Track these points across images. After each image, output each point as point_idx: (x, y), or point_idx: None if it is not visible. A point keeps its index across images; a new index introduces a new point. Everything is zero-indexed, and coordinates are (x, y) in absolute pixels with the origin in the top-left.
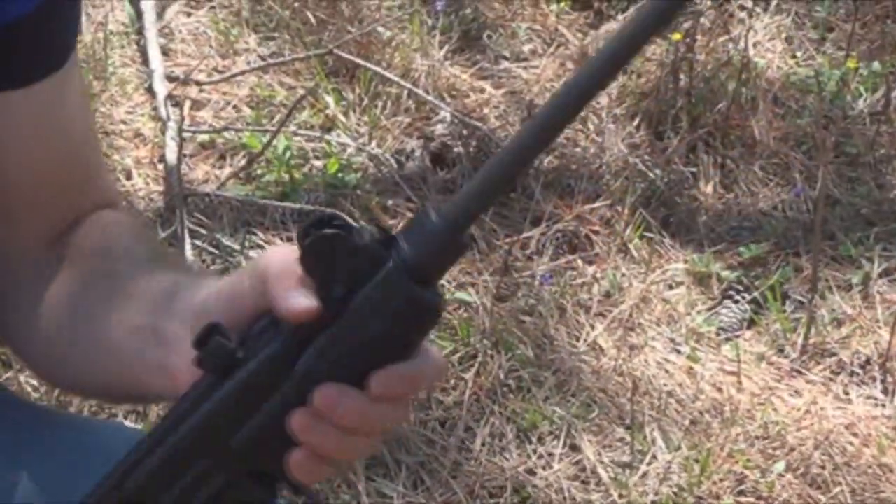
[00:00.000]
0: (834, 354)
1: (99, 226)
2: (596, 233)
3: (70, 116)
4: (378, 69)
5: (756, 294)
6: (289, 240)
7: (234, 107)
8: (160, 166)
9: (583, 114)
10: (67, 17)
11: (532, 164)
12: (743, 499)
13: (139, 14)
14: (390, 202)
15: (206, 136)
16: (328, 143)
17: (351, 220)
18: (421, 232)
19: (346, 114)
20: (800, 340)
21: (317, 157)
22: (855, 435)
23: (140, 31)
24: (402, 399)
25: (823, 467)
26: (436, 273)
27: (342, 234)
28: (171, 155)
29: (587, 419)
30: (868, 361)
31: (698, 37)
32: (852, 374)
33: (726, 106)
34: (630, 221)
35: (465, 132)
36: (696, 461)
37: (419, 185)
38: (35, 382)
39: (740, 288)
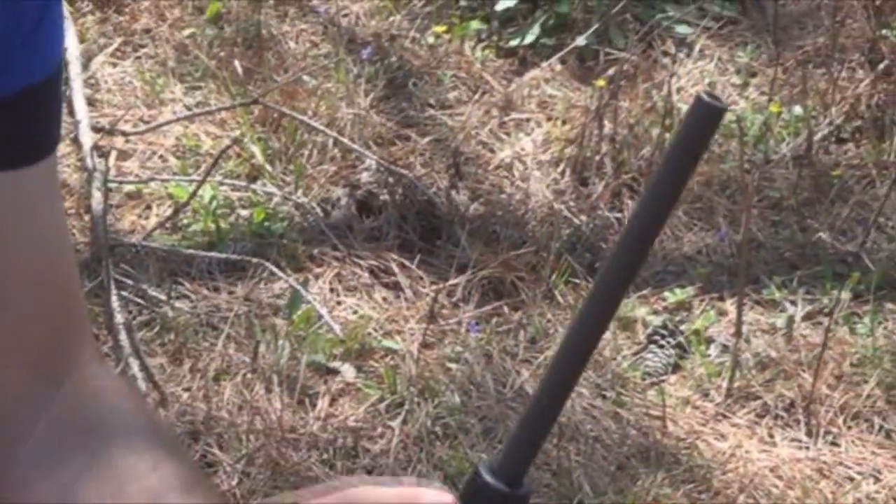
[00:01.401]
0: (758, 398)
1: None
2: (522, 279)
3: (56, 211)
4: (303, 118)
5: (681, 338)
6: (215, 290)
7: (161, 157)
8: (86, 217)
9: (508, 160)
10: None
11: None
12: None
13: (65, 64)
14: (316, 251)
15: (132, 187)
16: (254, 192)
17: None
18: (480, 498)
19: (271, 163)
20: (724, 384)
21: (243, 207)
22: (780, 477)
23: (66, 82)
24: None
25: None
26: None
27: None
28: (97, 205)
29: None
30: (792, 404)
31: (622, 83)
32: (777, 417)
33: (650, 152)
34: (555, 267)
35: (390, 180)
36: None
37: (345, 233)
38: None
39: (665, 332)
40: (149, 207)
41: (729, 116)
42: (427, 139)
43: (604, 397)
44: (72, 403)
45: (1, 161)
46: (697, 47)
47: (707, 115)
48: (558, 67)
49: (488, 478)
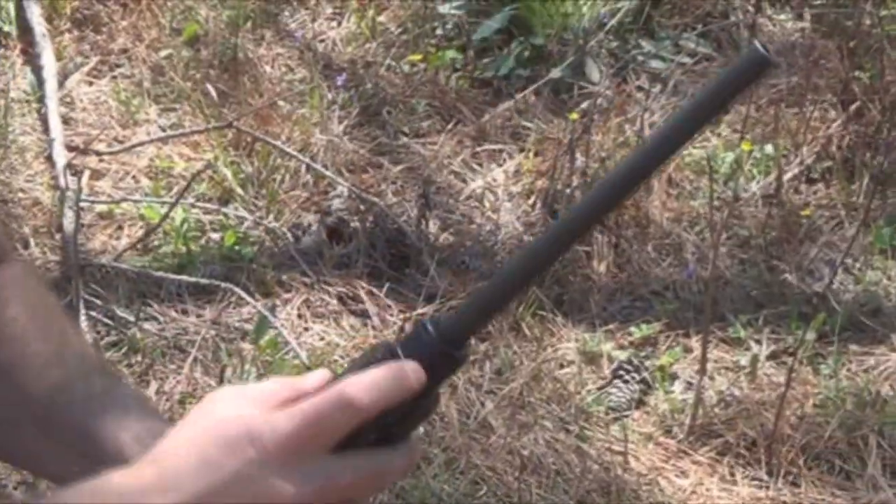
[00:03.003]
0: (720, 436)
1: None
2: None
3: None
4: (277, 143)
5: (646, 374)
6: (183, 313)
7: (133, 177)
8: (57, 236)
9: (479, 190)
10: None
11: (528, 288)
12: None
13: (41, 82)
14: (285, 276)
15: (104, 207)
16: (225, 215)
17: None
18: (417, 344)
19: (244, 187)
20: (687, 421)
21: (214, 230)
22: None
23: (41, 100)
24: None
25: None
26: (430, 385)
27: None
28: (69, 224)
29: (475, 497)
30: (754, 443)
31: (595, 116)
32: (738, 455)
33: None
34: (523, 300)
35: (362, 207)
36: None
37: (315, 259)
38: None
39: (630, 368)
40: (120, 228)
41: (699, 153)
42: (399, 167)
43: (567, 431)
44: None
45: None
46: (671, 83)
47: (758, 62)
48: (532, 99)
49: (431, 329)
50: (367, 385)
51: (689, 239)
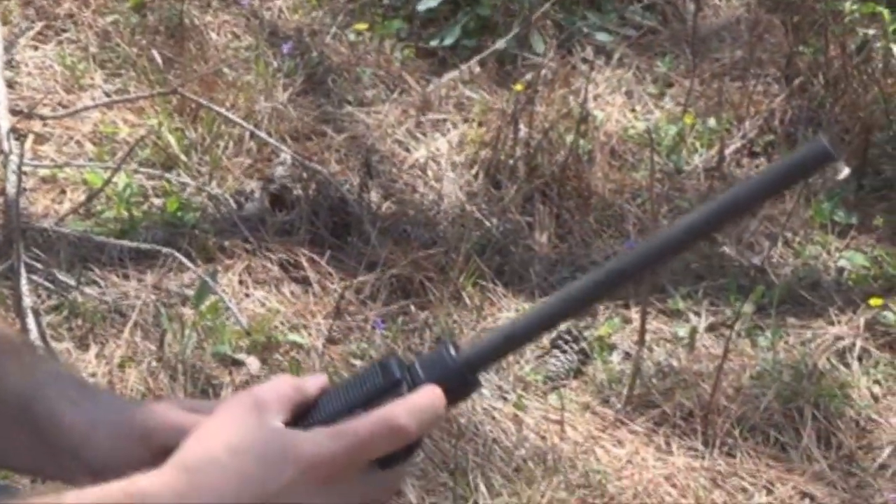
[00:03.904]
0: (657, 406)
1: None
2: (430, 279)
3: None
4: (221, 110)
5: (584, 344)
6: (124, 277)
7: (77, 142)
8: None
9: (423, 160)
10: None
11: (556, 328)
12: None
13: None
14: (227, 243)
15: (47, 171)
16: (168, 181)
17: None
18: (437, 365)
19: (187, 153)
20: (625, 391)
21: (156, 196)
22: (674, 486)
23: None
24: None
25: None
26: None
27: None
28: (11, 188)
29: (411, 464)
30: (690, 414)
31: (540, 88)
32: (675, 425)
33: (564, 157)
34: (464, 269)
35: (305, 175)
36: None
37: (257, 226)
38: None
39: (569, 338)
40: (63, 192)
41: (642, 126)
42: (343, 136)
43: (504, 399)
44: None
45: None
46: (616, 55)
47: (821, 156)
48: (477, 70)
49: (453, 353)
50: (413, 411)
51: (630, 210)
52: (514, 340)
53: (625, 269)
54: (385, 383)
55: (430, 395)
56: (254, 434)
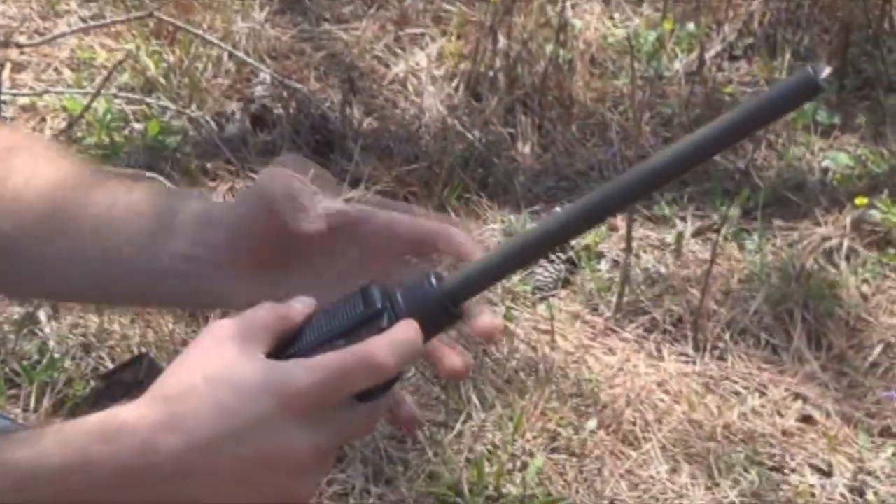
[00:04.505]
0: (647, 313)
1: None
2: (414, 194)
3: None
4: (198, 31)
5: (571, 254)
6: None
7: (55, 69)
8: None
9: (402, 75)
10: None
11: (536, 261)
12: (556, 455)
13: None
14: (210, 165)
15: (26, 99)
16: (148, 105)
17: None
18: (419, 296)
19: (166, 76)
20: (614, 299)
21: (137, 120)
22: (666, 392)
23: None
24: None
25: (635, 423)
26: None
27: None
28: None
29: (403, 378)
30: (680, 319)
31: None
32: (665, 332)
33: (544, 67)
34: (448, 182)
35: (285, 94)
36: (510, 419)
37: (239, 147)
38: None
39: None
40: (43, 120)
41: (621, 33)
42: (322, 53)
43: (493, 311)
44: None
45: None
46: None
47: (806, 86)
48: None
49: (435, 283)
50: (392, 347)
51: (612, 118)
52: (498, 270)
53: (611, 197)
54: (366, 313)
55: (409, 331)
56: (233, 365)
